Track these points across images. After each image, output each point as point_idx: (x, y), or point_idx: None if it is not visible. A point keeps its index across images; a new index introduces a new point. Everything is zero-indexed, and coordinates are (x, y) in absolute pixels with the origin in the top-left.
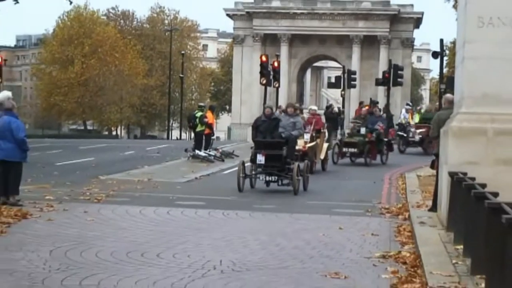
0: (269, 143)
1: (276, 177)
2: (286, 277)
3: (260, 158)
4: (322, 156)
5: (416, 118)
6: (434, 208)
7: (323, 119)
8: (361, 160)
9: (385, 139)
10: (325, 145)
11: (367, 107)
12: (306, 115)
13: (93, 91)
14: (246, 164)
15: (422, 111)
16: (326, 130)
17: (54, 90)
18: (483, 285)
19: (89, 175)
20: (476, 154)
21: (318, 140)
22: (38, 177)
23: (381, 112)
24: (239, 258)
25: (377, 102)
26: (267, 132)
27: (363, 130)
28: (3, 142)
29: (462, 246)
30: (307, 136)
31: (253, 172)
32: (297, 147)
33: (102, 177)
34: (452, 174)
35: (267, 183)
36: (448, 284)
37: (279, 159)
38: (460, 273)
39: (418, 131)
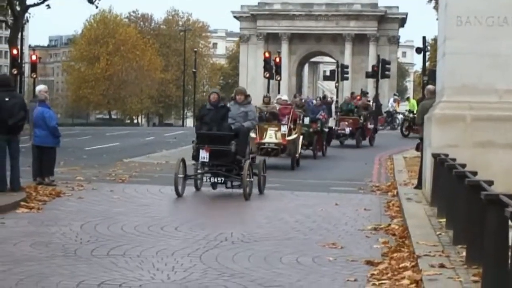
0: (215, 136)
1: (223, 178)
2: (289, 247)
3: (204, 155)
4: (298, 150)
5: (407, 106)
6: (419, 185)
7: (323, 111)
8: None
9: (326, 129)
10: (300, 138)
11: (358, 98)
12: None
13: (116, 84)
14: (189, 163)
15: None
16: (301, 122)
17: (82, 84)
18: (464, 253)
19: (114, 158)
20: (456, 137)
21: (295, 132)
22: (69, 160)
23: (371, 102)
24: (247, 231)
25: (367, 93)
26: (214, 123)
27: (306, 120)
28: (38, 130)
29: (444, 219)
30: (284, 128)
31: (197, 172)
32: (275, 141)
33: (125, 160)
34: (435, 156)
35: (213, 185)
36: (433, 253)
37: (226, 155)
38: (443, 243)
39: (345, 123)
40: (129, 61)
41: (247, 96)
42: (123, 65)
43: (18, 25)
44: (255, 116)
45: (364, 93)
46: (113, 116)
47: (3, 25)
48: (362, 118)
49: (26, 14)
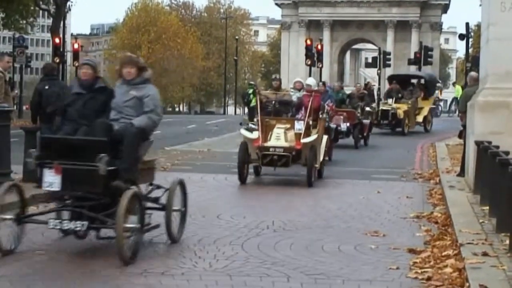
0: (72, 144)
1: (86, 223)
2: (331, 235)
3: (51, 179)
4: (321, 157)
5: (457, 93)
6: (462, 173)
7: (331, 99)
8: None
9: (334, 125)
10: (325, 138)
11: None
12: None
13: (158, 72)
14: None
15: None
16: (325, 115)
17: None
18: (507, 241)
19: (156, 146)
20: (500, 124)
21: (317, 131)
22: None
23: (370, 89)
24: (289, 219)
25: (439, 81)
26: (82, 120)
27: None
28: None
29: (488, 207)
30: (299, 126)
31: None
32: (284, 144)
33: (167, 148)
34: (478, 143)
35: (65, 232)
36: (476, 241)
37: (91, 180)
38: (486, 231)
39: (340, 117)
40: (171, 49)
41: (141, 69)
42: (164, 53)
43: (60, 14)
44: (155, 106)
45: (436, 81)
46: None
47: (46, 14)
48: (359, 110)
49: (68, 3)
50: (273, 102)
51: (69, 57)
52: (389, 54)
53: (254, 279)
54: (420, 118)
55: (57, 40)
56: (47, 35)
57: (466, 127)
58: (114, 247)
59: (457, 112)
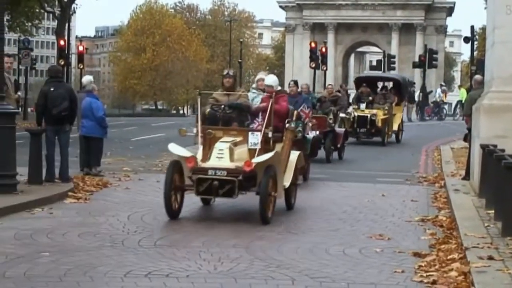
0: None
1: None
2: (336, 238)
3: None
4: (287, 181)
5: (461, 96)
6: (467, 177)
7: (306, 104)
8: None
9: (315, 134)
10: (295, 155)
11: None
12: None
13: (162, 75)
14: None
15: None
16: (298, 125)
17: (128, 75)
18: None
19: (160, 149)
20: (505, 128)
21: (281, 146)
22: (116, 151)
23: (418, 92)
24: (293, 222)
25: (414, 83)
26: None
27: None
28: (85, 120)
29: (493, 211)
30: (254, 139)
31: None
32: (227, 165)
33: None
34: (483, 146)
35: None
36: (482, 244)
37: None
38: (492, 234)
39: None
40: (175, 51)
41: None
42: (169, 55)
43: (65, 16)
44: None
45: (410, 83)
46: (159, 107)
47: (51, 16)
48: (331, 116)
49: (73, 5)
50: (222, 106)
51: (74, 59)
52: (394, 57)
53: (259, 282)
54: (395, 126)
55: (62, 43)
56: (52, 37)
57: (471, 130)
58: (116, 249)
59: (460, 115)
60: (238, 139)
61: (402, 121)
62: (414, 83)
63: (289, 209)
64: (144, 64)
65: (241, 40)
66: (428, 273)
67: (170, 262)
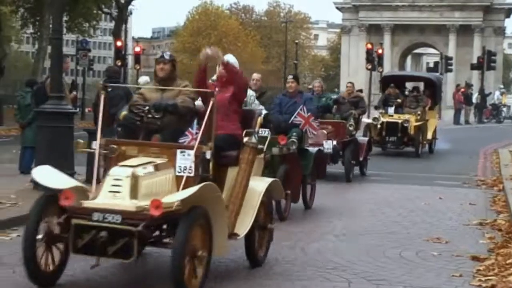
0: None
1: None
2: (392, 241)
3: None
4: (241, 229)
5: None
6: None
7: (307, 106)
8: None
9: (332, 144)
10: (262, 185)
11: (463, 90)
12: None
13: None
14: None
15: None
16: (308, 132)
17: (184, 76)
18: None
19: None
20: None
21: (235, 171)
22: None
23: (476, 94)
24: (350, 224)
25: (472, 85)
26: None
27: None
28: None
29: None
30: (184, 161)
31: None
32: (133, 207)
33: None
34: None
35: None
36: None
37: None
38: None
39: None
40: (231, 53)
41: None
42: None
43: (122, 17)
44: None
45: (468, 85)
46: None
47: (108, 17)
48: (352, 121)
49: (130, 7)
50: (146, 108)
51: (130, 60)
52: (451, 59)
53: (314, 284)
54: (429, 134)
55: (119, 43)
56: (109, 38)
57: None
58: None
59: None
60: (160, 160)
61: (436, 128)
62: (472, 85)
63: (256, 266)
64: (199, 65)
65: (297, 41)
66: (486, 278)
67: (222, 260)
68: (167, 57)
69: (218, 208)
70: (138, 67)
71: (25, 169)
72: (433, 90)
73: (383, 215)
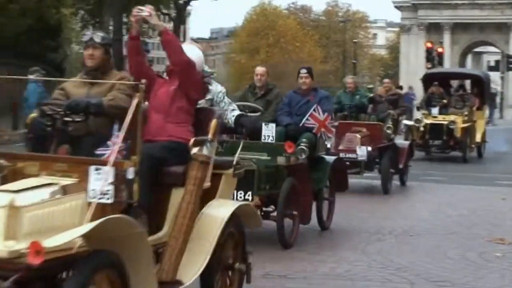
0: None
1: None
2: (454, 242)
3: None
4: (187, 276)
5: None
6: None
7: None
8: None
9: (367, 149)
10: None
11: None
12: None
13: (276, 76)
14: None
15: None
16: (323, 135)
17: (243, 76)
18: None
19: None
20: None
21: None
22: None
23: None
24: (410, 224)
25: None
26: None
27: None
28: None
29: None
30: (98, 183)
31: None
32: (8, 250)
33: None
34: None
35: None
36: None
37: None
38: None
39: (354, 136)
40: (289, 52)
41: None
42: (282, 57)
43: (180, 18)
44: None
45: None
46: None
47: (166, 18)
48: (390, 123)
49: (189, 7)
50: (60, 109)
51: None
52: None
53: (376, 285)
54: (478, 137)
55: None
56: None
57: None
58: None
59: None
60: (67, 181)
61: (485, 130)
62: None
63: None
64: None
65: (355, 40)
66: None
67: (287, 263)
68: (98, 39)
69: (139, 251)
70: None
71: None
72: (481, 88)
73: (444, 215)
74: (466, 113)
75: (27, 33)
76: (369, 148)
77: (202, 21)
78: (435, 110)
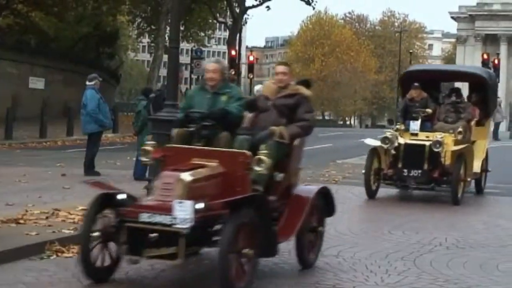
0: None
1: None
2: (507, 255)
3: None
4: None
5: None
6: None
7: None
8: None
9: None
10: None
11: None
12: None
13: (330, 85)
14: None
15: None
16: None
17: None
18: None
19: (327, 159)
20: None
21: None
22: None
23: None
24: (462, 237)
25: None
26: None
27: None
28: None
29: None
30: None
31: None
32: None
33: (338, 161)
34: None
35: None
36: None
37: None
38: None
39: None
40: (344, 62)
41: None
42: (337, 66)
43: (236, 27)
44: None
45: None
46: (326, 117)
47: (222, 26)
48: (461, 129)
49: (245, 16)
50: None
51: (244, 69)
52: None
53: None
54: (475, 166)
55: (233, 52)
56: (223, 47)
57: None
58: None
59: None
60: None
61: (487, 155)
62: None
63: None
64: (312, 74)
65: (411, 51)
66: None
67: (337, 272)
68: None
69: None
70: (251, 76)
71: (139, 176)
72: (484, 93)
73: (497, 228)
74: (460, 129)
75: (84, 40)
76: None
77: (257, 29)
78: (414, 125)
